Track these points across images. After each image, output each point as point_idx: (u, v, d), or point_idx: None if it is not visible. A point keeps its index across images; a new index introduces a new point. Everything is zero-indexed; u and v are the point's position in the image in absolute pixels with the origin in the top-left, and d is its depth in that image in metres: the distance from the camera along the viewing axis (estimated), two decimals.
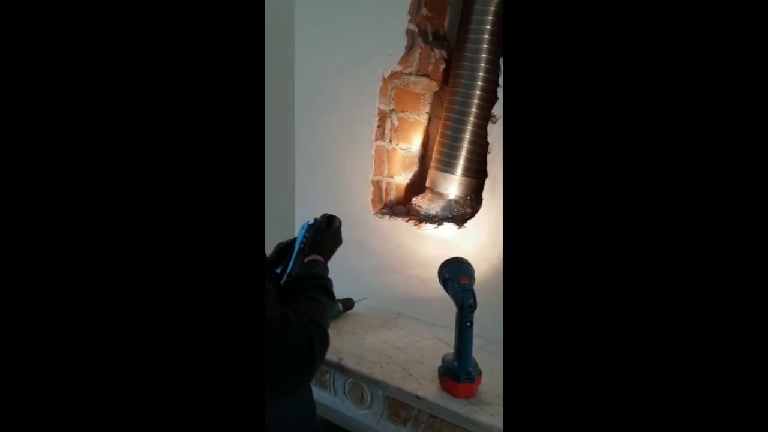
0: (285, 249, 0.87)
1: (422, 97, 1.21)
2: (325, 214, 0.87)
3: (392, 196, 1.20)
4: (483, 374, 0.77)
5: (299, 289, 0.68)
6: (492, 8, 1.01)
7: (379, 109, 1.09)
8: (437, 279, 0.81)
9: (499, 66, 0.95)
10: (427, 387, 0.78)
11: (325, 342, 0.60)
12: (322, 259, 0.78)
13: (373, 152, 1.11)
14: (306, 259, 0.77)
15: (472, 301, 0.72)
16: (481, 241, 0.96)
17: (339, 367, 0.87)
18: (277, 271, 0.83)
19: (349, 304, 1.11)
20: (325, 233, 0.83)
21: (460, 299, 0.73)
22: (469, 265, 0.78)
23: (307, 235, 0.83)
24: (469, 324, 0.72)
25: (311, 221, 0.86)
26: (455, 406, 0.72)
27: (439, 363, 0.80)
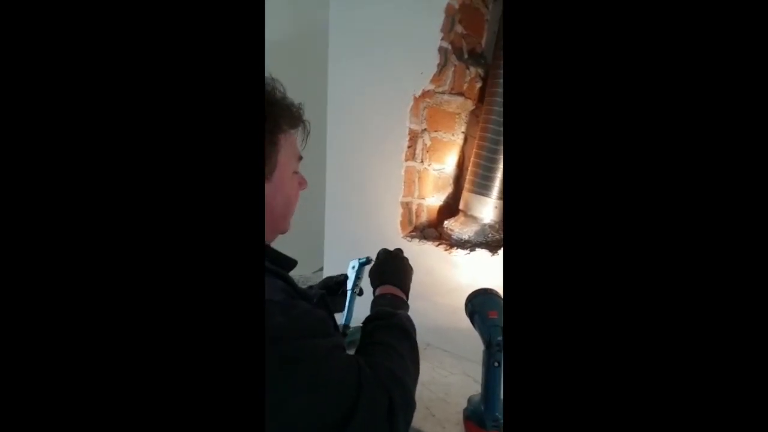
0: (334, 288, 0.78)
1: (457, 117, 1.16)
2: (384, 249, 0.77)
3: (423, 218, 1.15)
4: None
5: (372, 330, 0.57)
6: None
7: (410, 128, 1.06)
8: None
9: None
10: (450, 430, 0.71)
11: (408, 404, 0.49)
12: (397, 290, 0.66)
13: (402, 173, 1.07)
14: (377, 292, 0.66)
15: (500, 338, 0.65)
16: None
17: None
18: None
19: None
20: (393, 261, 0.72)
21: (487, 336, 0.66)
22: (500, 297, 0.72)
23: (361, 270, 0.73)
24: (497, 364, 0.65)
25: (362, 259, 0.76)
26: None
27: (465, 404, 0.74)
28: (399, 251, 0.76)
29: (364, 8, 1.08)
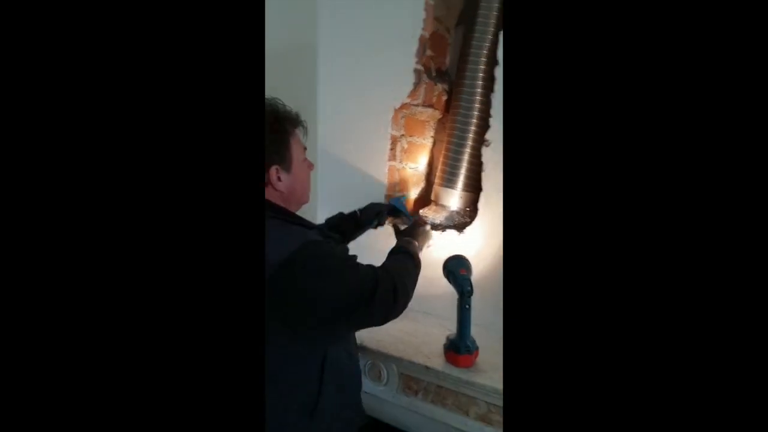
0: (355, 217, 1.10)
1: (427, 124, 1.41)
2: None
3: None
4: (480, 350, 0.95)
5: (391, 254, 0.91)
6: (485, 51, 1.22)
7: (391, 134, 1.29)
8: (443, 278, 1.00)
9: (490, 99, 1.15)
10: (434, 360, 0.96)
11: (406, 292, 0.79)
12: (415, 242, 0.98)
13: (386, 171, 1.31)
14: (403, 239, 0.99)
15: (469, 288, 0.90)
16: (477, 244, 1.15)
17: (361, 348, 1.04)
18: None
19: None
20: (418, 229, 1.04)
21: (460, 287, 0.91)
22: (467, 260, 0.97)
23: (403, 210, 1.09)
24: (467, 306, 0.90)
25: (403, 197, 1.11)
26: (457, 372, 0.90)
27: (443, 346, 0.98)
28: (421, 220, 1.12)
29: (349, 38, 1.29)
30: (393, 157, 1.32)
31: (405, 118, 1.32)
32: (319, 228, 0.78)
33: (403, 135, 1.33)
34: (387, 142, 1.29)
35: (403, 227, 1.11)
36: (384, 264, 0.85)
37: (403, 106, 1.28)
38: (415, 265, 0.89)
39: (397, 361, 0.99)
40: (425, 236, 1.05)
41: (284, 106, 0.82)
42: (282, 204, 0.80)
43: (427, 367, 0.93)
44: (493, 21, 1.21)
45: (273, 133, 0.77)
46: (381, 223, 1.09)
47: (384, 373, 1.04)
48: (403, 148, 1.34)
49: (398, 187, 1.36)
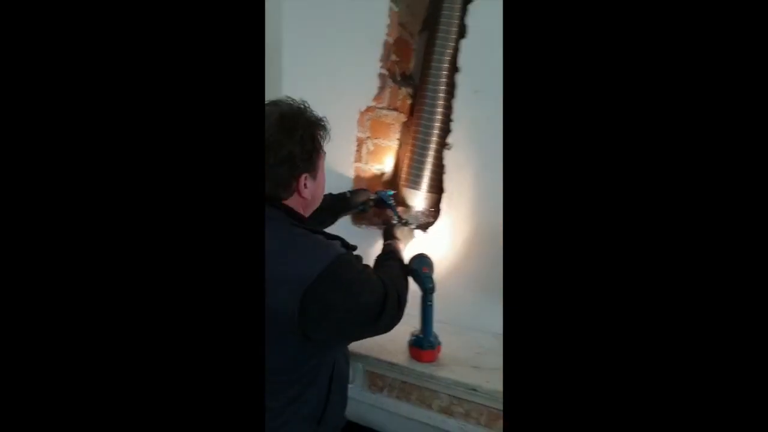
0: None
1: (393, 126, 1.44)
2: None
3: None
4: (442, 346, 0.99)
5: (383, 258, 0.95)
6: (447, 58, 1.27)
7: (357, 137, 1.32)
8: None
9: (452, 104, 1.20)
10: (399, 357, 0.99)
11: (405, 299, 0.83)
12: (402, 245, 1.03)
13: (352, 171, 1.33)
14: (391, 241, 1.03)
15: (431, 285, 0.94)
16: (440, 242, 1.19)
17: None
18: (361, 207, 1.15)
19: None
20: (404, 230, 1.10)
21: (422, 285, 0.94)
22: (430, 259, 1.00)
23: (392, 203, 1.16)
24: (429, 303, 0.94)
25: (391, 192, 1.17)
26: (420, 367, 0.93)
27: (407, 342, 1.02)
28: (405, 222, 1.16)
29: (316, 42, 1.31)
30: (359, 158, 1.34)
31: (371, 121, 1.35)
32: (338, 238, 0.80)
33: (368, 137, 1.36)
34: (353, 143, 1.31)
35: (388, 222, 1.17)
36: (385, 271, 0.87)
37: (369, 109, 1.31)
38: (406, 270, 0.94)
39: (364, 359, 1.01)
40: (409, 237, 1.10)
41: (312, 111, 0.82)
42: (302, 211, 0.81)
43: (391, 364, 0.96)
44: (454, 29, 1.26)
45: (307, 141, 0.76)
46: (366, 210, 1.16)
47: (351, 371, 1.06)
48: (369, 149, 1.37)
49: (366, 186, 1.38)
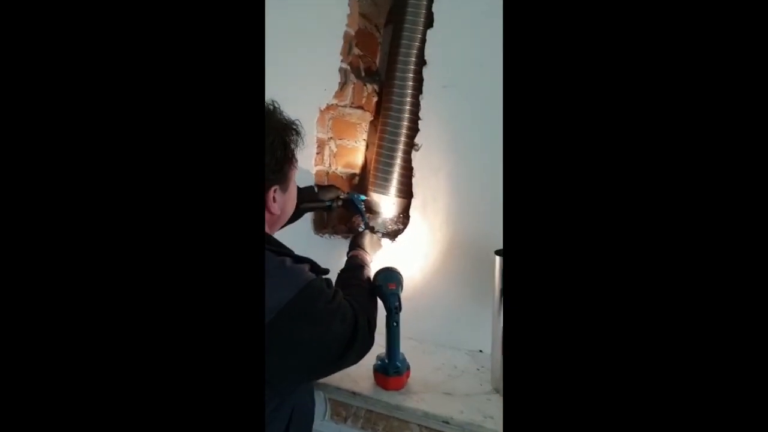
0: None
1: (359, 126, 1.33)
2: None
3: (333, 216, 1.30)
4: (412, 369, 0.88)
5: (348, 278, 0.86)
6: (414, 51, 1.17)
7: (317, 137, 1.20)
8: None
9: (419, 101, 1.10)
10: (362, 384, 0.87)
11: (375, 323, 0.77)
12: (369, 256, 0.95)
13: (313, 175, 1.21)
14: (357, 253, 0.94)
15: (397, 304, 0.83)
16: (410, 252, 1.09)
17: None
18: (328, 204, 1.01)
19: None
20: (373, 238, 1.01)
21: (387, 303, 0.84)
22: (398, 273, 0.89)
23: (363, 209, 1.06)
24: (395, 324, 0.83)
25: (363, 197, 1.07)
26: (386, 396, 0.82)
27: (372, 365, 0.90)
28: (373, 230, 1.07)
29: (269, 32, 1.19)
30: (321, 161, 1.23)
31: (333, 120, 1.23)
32: (308, 261, 0.72)
33: (331, 138, 1.25)
34: (313, 145, 1.20)
35: (353, 229, 1.09)
36: (353, 293, 0.79)
37: (330, 107, 1.19)
38: (372, 288, 0.87)
39: (324, 386, 0.90)
40: (377, 246, 1.01)
41: (282, 111, 0.71)
42: (268, 228, 0.73)
43: (353, 393, 0.85)
44: (421, 20, 1.16)
45: (278, 149, 0.67)
46: (332, 209, 1.04)
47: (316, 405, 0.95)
48: (332, 151, 1.26)
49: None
